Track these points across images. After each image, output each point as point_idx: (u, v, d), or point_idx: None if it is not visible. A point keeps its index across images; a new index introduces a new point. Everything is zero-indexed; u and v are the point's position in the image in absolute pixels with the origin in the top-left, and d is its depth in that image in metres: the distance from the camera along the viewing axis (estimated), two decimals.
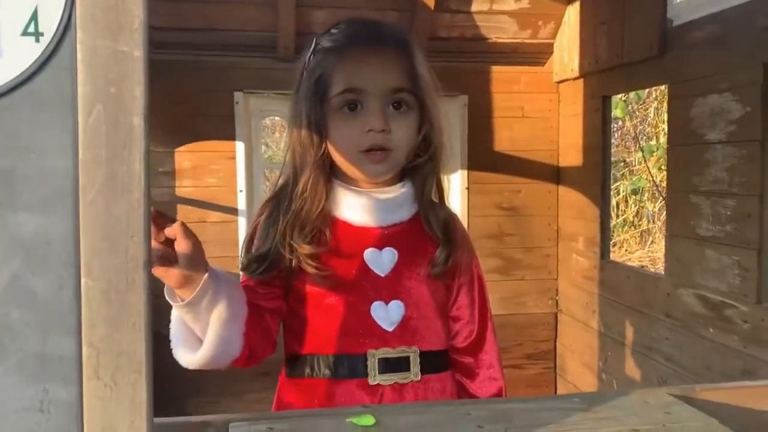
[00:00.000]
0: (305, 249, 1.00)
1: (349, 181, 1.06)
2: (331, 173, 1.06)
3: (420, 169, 1.09)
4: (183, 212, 2.79)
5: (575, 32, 2.76)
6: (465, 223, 3.31)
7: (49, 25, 0.65)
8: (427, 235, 1.09)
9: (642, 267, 5.19)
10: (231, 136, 2.79)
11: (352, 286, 1.04)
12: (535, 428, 0.92)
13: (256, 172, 2.85)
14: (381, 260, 1.05)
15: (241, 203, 2.79)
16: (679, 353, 2.15)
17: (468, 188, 2.95)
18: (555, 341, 3.10)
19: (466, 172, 2.94)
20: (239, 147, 2.79)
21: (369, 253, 1.05)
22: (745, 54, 1.81)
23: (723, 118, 1.89)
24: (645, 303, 2.35)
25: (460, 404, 1.12)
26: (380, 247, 1.06)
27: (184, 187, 2.78)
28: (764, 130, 1.75)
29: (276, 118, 4.00)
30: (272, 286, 1.02)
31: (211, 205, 2.79)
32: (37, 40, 0.66)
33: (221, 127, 2.77)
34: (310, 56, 1.04)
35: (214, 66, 2.74)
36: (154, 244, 0.81)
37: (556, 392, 3.07)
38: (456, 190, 2.91)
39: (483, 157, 2.95)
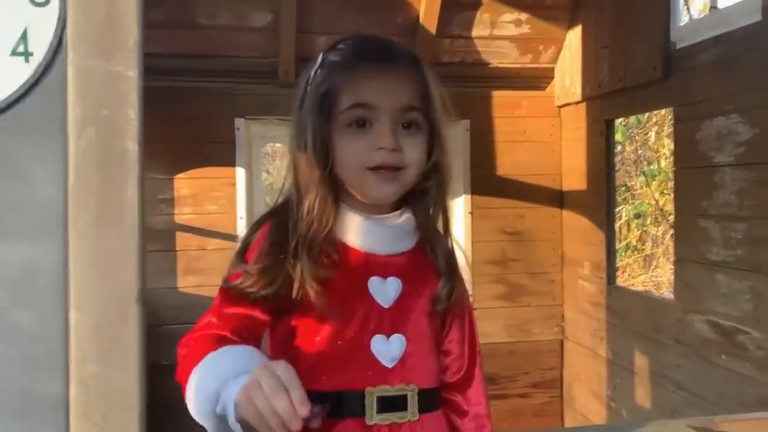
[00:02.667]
0: (313, 270, 0.94)
1: (355, 204, 1.01)
2: (337, 194, 1.01)
3: (426, 194, 1.03)
4: (182, 239, 2.75)
5: (577, 56, 2.75)
6: (469, 249, 3.27)
7: (40, 45, 0.62)
8: (430, 265, 1.04)
9: (646, 292, 5.13)
10: (231, 163, 2.76)
11: (354, 316, 0.98)
12: None
13: (256, 199, 2.82)
14: (385, 290, 1.00)
15: (242, 230, 2.75)
16: (692, 381, 2.10)
17: (471, 213, 2.92)
18: (562, 369, 3.04)
19: (469, 196, 2.91)
20: (240, 173, 2.76)
21: (374, 282, 0.99)
22: (751, 75, 1.79)
23: (731, 141, 1.87)
24: (654, 329, 2.30)
25: None
26: (384, 276, 1.00)
27: (183, 215, 2.75)
28: None
29: (277, 144, 3.98)
30: (265, 303, 0.95)
31: (211, 232, 2.75)
32: (27, 60, 0.63)
33: (222, 153, 2.75)
34: (316, 71, 1.00)
35: (215, 92, 2.73)
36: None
37: (563, 422, 2.99)
38: (459, 215, 2.88)
39: (486, 181, 2.92)
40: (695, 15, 3.10)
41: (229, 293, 0.94)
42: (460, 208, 2.88)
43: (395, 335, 0.98)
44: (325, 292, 0.94)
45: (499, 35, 2.80)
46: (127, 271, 0.61)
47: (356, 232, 0.99)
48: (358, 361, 0.96)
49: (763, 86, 1.75)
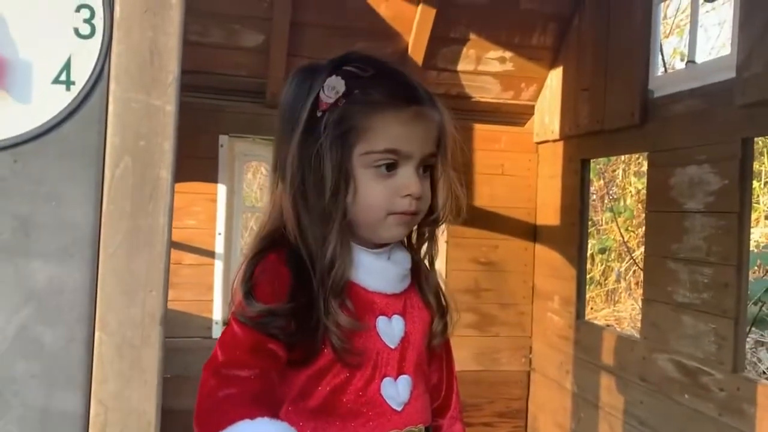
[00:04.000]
0: (341, 319, 0.90)
1: (356, 240, 0.99)
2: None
3: (423, 234, 1.04)
4: None
5: (557, 96, 2.84)
6: (443, 277, 3.31)
7: (81, 75, 0.65)
8: (421, 302, 1.04)
9: (608, 326, 5.24)
10: (213, 179, 2.77)
11: (365, 359, 0.95)
12: None
13: (236, 216, 2.83)
14: (392, 330, 0.98)
15: (219, 246, 2.76)
16: (654, 418, 2.16)
17: (447, 242, 2.97)
18: (527, 400, 3.09)
19: (445, 225, 2.96)
20: (221, 189, 2.77)
21: (381, 322, 0.97)
22: (724, 129, 1.88)
23: (701, 189, 1.96)
24: (620, 366, 2.36)
25: None
26: (389, 316, 0.98)
27: None
28: (742, 203, 1.82)
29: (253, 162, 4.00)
30: (287, 344, 0.91)
31: (188, 247, 2.75)
32: (68, 89, 0.66)
33: (204, 169, 2.76)
34: (339, 100, 0.94)
35: (201, 108, 2.74)
36: None
37: None
38: None
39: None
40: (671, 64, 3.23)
41: (252, 330, 0.89)
42: None
43: (402, 377, 0.97)
44: (346, 336, 0.92)
45: (483, 71, 2.88)
46: (153, 295, 0.64)
47: (367, 271, 0.97)
48: (369, 408, 0.95)
49: (734, 139, 1.85)
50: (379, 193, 0.94)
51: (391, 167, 0.95)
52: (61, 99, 0.65)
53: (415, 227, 1.03)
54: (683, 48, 5.29)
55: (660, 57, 2.35)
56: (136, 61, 0.64)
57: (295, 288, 0.91)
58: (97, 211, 0.62)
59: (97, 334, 0.61)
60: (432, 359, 1.07)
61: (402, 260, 1.01)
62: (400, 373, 0.97)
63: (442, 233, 3.02)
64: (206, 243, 2.76)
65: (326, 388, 0.94)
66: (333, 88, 0.94)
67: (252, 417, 0.78)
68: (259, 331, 0.89)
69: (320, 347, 0.92)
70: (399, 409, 0.96)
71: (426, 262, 1.05)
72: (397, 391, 0.96)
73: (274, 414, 0.84)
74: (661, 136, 2.17)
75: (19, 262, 0.63)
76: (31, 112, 0.65)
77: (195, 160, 2.76)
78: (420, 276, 1.03)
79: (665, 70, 2.48)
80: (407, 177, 0.94)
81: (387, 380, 0.96)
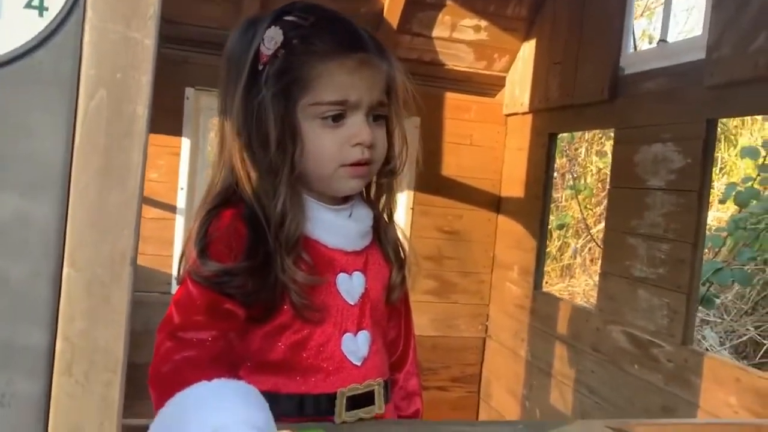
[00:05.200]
0: (299, 276, 0.89)
1: (314, 195, 0.97)
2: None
3: (381, 187, 1.03)
4: None
5: (528, 68, 2.85)
6: (404, 231, 3.33)
7: (56, 1, 0.62)
8: (382, 257, 1.03)
9: (569, 299, 5.37)
10: (177, 132, 2.71)
11: (325, 315, 0.95)
12: None
13: (200, 171, 2.78)
14: (352, 287, 0.98)
15: (181, 201, 2.72)
16: (603, 387, 2.23)
17: (413, 209, 2.98)
18: (481, 366, 3.16)
19: (413, 192, 2.97)
20: (185, 143, 2.72)
21: (342, 279, 0.97)
22: (691, 109, 1.92)
23: (665, 167, 2.00)
24: (574, 336, 2.43)
25: (411, 424, 1.13)
26: (350, 272, 0.98)
27: None
28: (702, 182, 1.86)
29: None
30: (244, 303, 0.89)
31: (150, 200, 2.70)
32: (41, 15, 0.63)
33: (168, 121, 2.70)
34: (276, 52, 0.91)
35: (168, 58, 2.67)
36: None
37: (477, 417, 3.11)
38: (401, 210, 2.94)
39: (430, 180, 2.99)
40: (638, 46, 3.26)
41: (208, 290, 0.87)
42: (402, 204, 2.94)
43: (361, 332, 0.98)
44: (305, 292, 0.91)
45: (457, 38, 2.87)
46: (124, 234, 0.63)
47: (326, 229, 0.96)
48: (330, 363, 0.95)
49: (699, 119, 1.89)
50: (328, 145, 0.92)
51: (339, 117, 0.92)
52: (33, 25, 0.62)
53: (374, 179, 1.02)
54: (652, 31, 5.36)
55: (632, 36, 2.37)
56: None
57: (251, 245, 0.89)
58: (68, 144, 0.60)
59: (65, 270, 0.59)
60: (391, 315, 1.08)
61: (363, 217, 1.00)
62: (359, 328, 0.98)
63: (409, 200, 3.03)
64: (168, 197, 2.71)
65: (286, 344, 0.94)
66: (272, 39, 0.91)
67: (209, 378, 0.77)
68: (215, 291, 0.87)
69: (279, 304, 0.91)
70: (358, 363, 0.97)
71: (385, 215, 1.04)
72: (356, 345, 0.97)
73: (233, 374, 0.82)
74: (628, 113, 2.21)
75: None
76: (1, 35, 0.62)
77: (160, 112, 2.67)
78: (380, 231, 1.03)
79: (635, 50, 2.50)
80: (356, 125, 0.92)
81: (347, 336, 0.96)
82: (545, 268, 6.80)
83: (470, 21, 2.83)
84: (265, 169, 0.92)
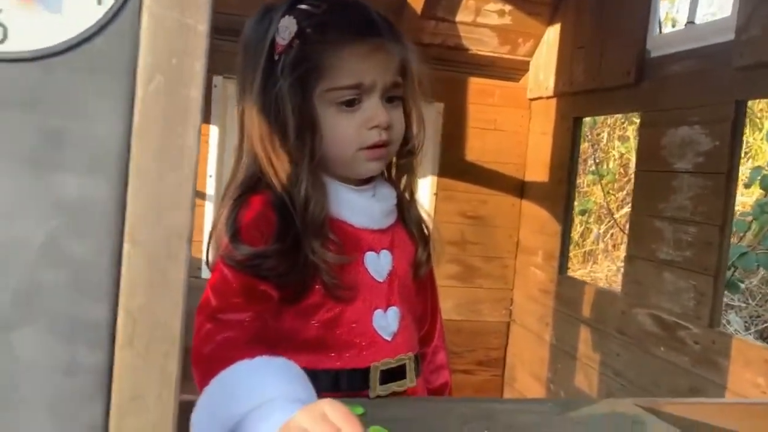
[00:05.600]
0: (328, 257, 0.92)
1: (337, 179, 1.01)
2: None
3: (401, 167, 1.06)
4: None
5: (553, 52, 2.84)
6: (427, 210, 3.35)
7: None
8: (407, 235, 1.07)
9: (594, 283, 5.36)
10: (206, 120, 2.75)
11: (355, 293, 0.98)
12: (517, 429, 0.96)
13: (227, 159, 2.82)
14: (379, 264, 1.01)
15: (210, 188, 2.76)
16: (629, 369, 2.25)
17: (436, 194, 3.00)
18: (505, 350, 3.18)
19: (436, 178, 2.99)
20: (213, 131, 2.76)
21: (369, 258, 1.00)
22: (719, 90, 1.91)
23: (692, 149, 2.00)
24: (599, 319, 2.44)
25: (445, 401, 1.16)
26: (377, 250, 1.01)
27: None
28: (730, 164, 1.86)
29: None
30: (277, 285, 0.93)
31: None
32: (100, 3, 0.66)
33: None
34: (293, 41, 0.93)
35: None
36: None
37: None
38: (425, 195, 2.96)
39: (454, 165, 3.01)
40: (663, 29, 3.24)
41: (242, 273, 0.90)
42: (426, 189, 2.96)
43: (391, 308, 1.01)
44: (335, 272, 0.95)
45: (481, 23, 2.87)
46: (181, 213, 0.65)
47: (351, 208, 0.99)
48: (362, 338, 0.99)
49: (728, 101, 1.88)
50: (346, 129, 0.95)
51: (354, 102, 0.95)
52: (92, 12, 0.65)
53: (393, 160, 1.05)
54: (675, 13, 5.29)
55: (657, 18, 2.36)
56: None
57: (280, 229, 0.92)
58: (127, 127, 0.63)
59: (125, 247, 0.62)
60: (418, 291, 1.11)
61: (387, 196, 1.03)
62: (389, 304, 1.01)
63: (432, 185, 3.05)
64: (198, 185, 2.75)
65: (320, 322, 0.97)
66: (286, 29, 0.93)
67: (251, 356, 0.80)
68: (250, 274, 0.91)
69: (310, 285, 0.95)
70: (389, 338, 1.00)
71: (406, 194, 1.07)
72: (387, 321, 1.00)
73: (272, 353, 0.86)
74: (655, 96, 2.20)
75: (49, 175, 0.64)
76: (62, 23, 0.65)
77: None
78: (403, 210, 1.06)
79: (660, 32, 2.48)
80: (372, 108, 0.95)
81: (377, 312, 1.00)
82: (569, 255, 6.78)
83: (494, 5, 2.83)
84: (286, 156, 0.94)
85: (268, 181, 0.95)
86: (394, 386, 1.01)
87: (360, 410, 0.90)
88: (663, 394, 2.03)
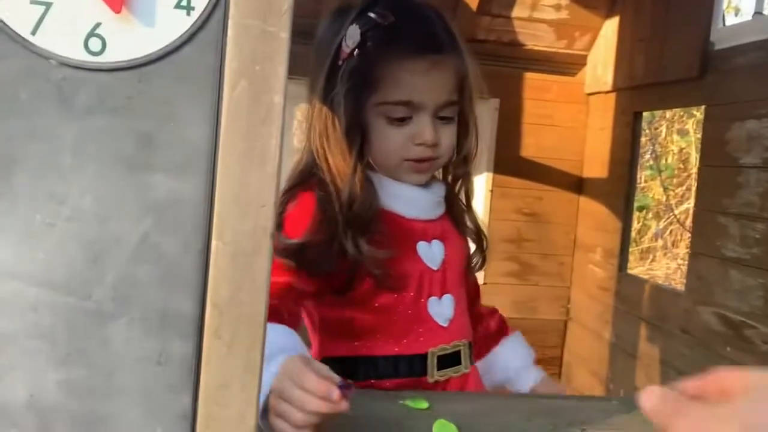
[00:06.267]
0: (372, 251, 0.95)
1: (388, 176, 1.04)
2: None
3: (452, 170, 1.09)
4: None
5: (611, 46, 2.80)
6: (486, 226, 3.35)
7: (201, 1, 0.69)
8: (456, 231, 1.11)
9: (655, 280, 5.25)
10: None
11: (409, 282, 1.01)
12: (582, 425, 0.97)
13: (285, 157, 2.87)
14: (433, 253, 1.04)
15: None
16: (693, 369, 2.20)
17: (492, 191, 2.99)
18: (563, 348, 3.15)
19: (491, 174, 2.98)
20: None
21: (422, 247, 1.04)
22: None
23: (759, 144, 1.94)
24: (661, 318, 2.39)
25: (508, 397, 1.17)
26: (429, 240, 1.04)
27: None
28: None
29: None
30: (318, 275, 0.96)
31: None
32: (188, 14, 0.70)
33: None
34: (353, 50, 0.96)
35: None
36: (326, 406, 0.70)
37: None
38: (480, 192, 2.96)
39: (509, 161, 2.99)
40: (728, 22, 3.14)
41: (279, 264, 0.93)
42: (481, 186, 2.96)
43: (446, 295, 1.05)
44: (382, 263, 0.97)
45: (537, 18, 2.84)
46: (264, 210, 0.69)
47: (399, 199, 1.02)
48: (419, 325, 1.02)
49: None
50: (393, 141, 0.98)
51: (406, 120, 0.97)
52: (181, 23, 0.69)
53: (450, 169, 1.09)
54: (738, 2, 5.11)
55: (722, 10, 2.29)
56: None
57: (321, 223, 0.96)
58: (213, 130, 0.67)
59: (214, 242, 0.66)
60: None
61: (436, 188, 1.06)
62: (443, 292, 1.04)
63: (487, 182, 3.04)
64: None
65: (375, 310, 1.01)
66: (351, 37, 0.96)
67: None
68: (285, 265, 0.93)
69: (359, 276, 0.98)
70: (445, 325, 1.03)
71: (461, 199, 1.10)
72: (442, 308, 1.03)
73: (333, 341, 0.90)
74: (719, 89, 2.14)
75: (142, 176, 0.68)
76: (155, 35, 0.69)
77: None
78: (454, 210, 1.09)
79: (723, 24, 2.42)
80: (421, 125, 0.97)
81: (432, 299, 1.02)
82: None
83: (551, 0, 2.80)
84: (340, 155, 0.97)
85: (321, 175, 0.99)
86: (450, 372, 1.04)
87: (425, 404, 0.93)
88: None
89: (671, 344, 2.32)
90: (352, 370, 1.01)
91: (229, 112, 0.69)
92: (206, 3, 0.70)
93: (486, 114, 2.88)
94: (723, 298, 2.06)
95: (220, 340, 0.70)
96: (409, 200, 1.04)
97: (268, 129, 0.68)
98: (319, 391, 0.68)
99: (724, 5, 4.89)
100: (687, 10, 2.32)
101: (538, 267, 3.11)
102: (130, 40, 0.71)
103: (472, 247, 1.14)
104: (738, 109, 2.04)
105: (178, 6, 0.70)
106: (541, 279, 3.12)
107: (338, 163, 0.98)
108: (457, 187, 1.09)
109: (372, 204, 0.98)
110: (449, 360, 1.05)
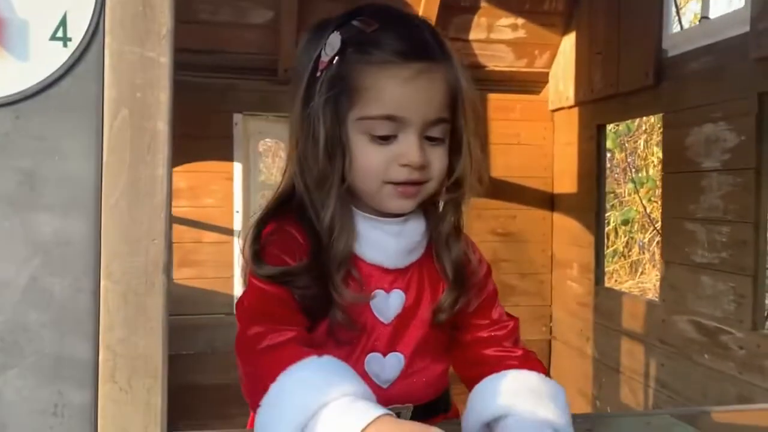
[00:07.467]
0: (347, 297, 0.85)
1: (363, 208, 0.91)
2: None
3: (449, 201, 0.94)
4: (178, 232, 2.78)
5: (570, 62, 2.81)
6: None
7: (78, 31, 0.66)
8: (436, 273, 0.94)
9: (632, 293, 5.21)
10: (229, 157, 2.80)
11: (360, 336, 0.90)
12: None
13: (253, 194, 2.85)
14: (387, 305, 0.91)
15: (237, 224, 2.79)
16: (675, 380, 2.16)
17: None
18: (549, 369, 3.09)
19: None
20: (237, 168, 2.80)
21: (377, 297, 0.90)
22: (739, 84, 1.85)
23: (718, 147, 1.93)
24: (640, 330, 2.36)
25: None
26: (388, 290, 0.91)
27: (179, 207, 2.78)
28: (759, 159, 1.79)
29: (268, 140, 3.99)
30: (302, 304, 0.86)
31: (208, 225, 2.78)
32: (65, 45, 0.67)
33: (219, 148, 2.79)
34: (333, 59, 0.86)
35: (214, 87, 2.76)
36: None
37: None
38: None
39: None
40: (686, 26, 3.17)
41: (269, 291, 0.85)
42: None
43: (392, 354, 0.91)
44: (347, 311, 0.86)
45: (495, 39, 2.86)
46: (155, 244, 0.65)
47: (369, 244, 0.90)
48: None
49: (750, 95, 1.82)
50: (374, 160, 0.86)
51: (390, 138, 0.85)
52: (58, 55, 0.66)
53: (442, 196, 0.93)
54: (699, 10, 5.18)
55: (675, 14, 2.30)
56: (129, 13, 0.65)
57: (302, 250, 0.86)
58: (98, 163, 0.64)
59: (102, 282, 0.63)
60: (477, 310, 0.97)
61: (411, 232, 0.92)
62: (390, 349, 0.91)
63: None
64: (225, 221, 2.79)
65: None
66: (330, 45, 0.86)
67: (305, 356, 0.76)
68: (277, 292, 0.85)
69: (321, 317, 0.87)
70: (384, 386, 0.91)
71: (449, 229, 0.94)
72: (382, 368, 0.91)
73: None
74: (675, 95, 2.14)
75: (26, 216, 0.65)
76: (31, 69, 0.66)
77: (210, 140, 2.79)
78: (440, 246, 0.94)
79: (681, 28, 2.43)
80: (407, 145, 0.85)
81: (373, 356, 0.91)
82: (614, 266, 6.63)
83: (506, 20, 2.82)
84: (316, 178, 0.87)
85: (300, 201, 0.89)
86: None
87: None
88: (711, 403, 1.94)
89: (651, 356, 2.28)
90: None
91: (110, 142, 0.66)
92: (83, 33, 0.67)
93: None
94: (696, 305, 2.03)
95: (116, 385, 0.66)
96: (373, 243, 0.91)
97: (154, 158, 0.65)
98: None
99: (691, 17, 4.95)
100: (639, 20, 2.33)
101: (517, 287, 3.08)
102: (5, 76, 0.69)
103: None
104: (694, 114, 2.04)
105: (53, 38, 0.67)
106: (522, 299, 3.08)
107: (315, 188, 0.88)
108: (445, 221, 0.93)
109: (348, 239, 0.87)
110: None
